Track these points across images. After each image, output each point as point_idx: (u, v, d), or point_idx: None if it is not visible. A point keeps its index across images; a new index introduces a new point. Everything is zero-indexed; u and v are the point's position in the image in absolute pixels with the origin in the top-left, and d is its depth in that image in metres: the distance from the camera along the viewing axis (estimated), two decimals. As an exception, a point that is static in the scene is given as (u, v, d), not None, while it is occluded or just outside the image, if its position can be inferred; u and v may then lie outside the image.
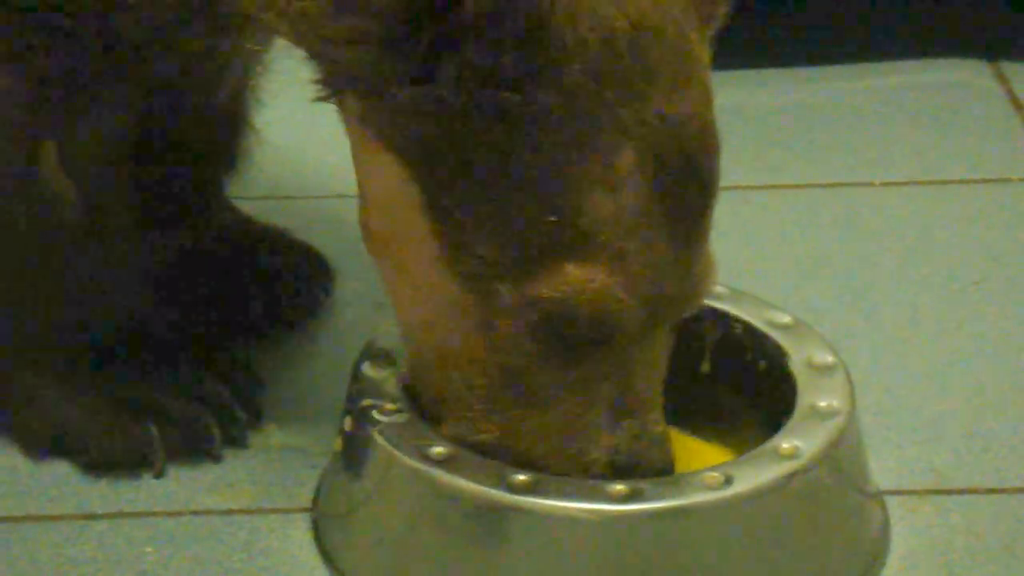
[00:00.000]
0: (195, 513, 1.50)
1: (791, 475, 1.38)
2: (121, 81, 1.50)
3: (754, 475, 1.38)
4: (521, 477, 1.37)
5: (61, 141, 1.52)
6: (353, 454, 1.46)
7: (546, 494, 1.36)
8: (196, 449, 1.54)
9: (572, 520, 1.36)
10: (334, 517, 1.50)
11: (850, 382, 1.46)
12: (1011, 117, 2.06)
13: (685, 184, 1.32)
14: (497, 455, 1.39)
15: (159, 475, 1.53)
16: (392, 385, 1.47)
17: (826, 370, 1.48)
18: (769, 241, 1.87)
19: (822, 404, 1.44)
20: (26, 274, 1.54)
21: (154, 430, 1.53)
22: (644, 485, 1.37)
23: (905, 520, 1.50)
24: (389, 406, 1.44)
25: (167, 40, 1.45)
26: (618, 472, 1.38)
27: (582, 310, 1.32)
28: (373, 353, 1.50)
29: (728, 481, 1.37)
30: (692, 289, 1.37)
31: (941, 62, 2.15)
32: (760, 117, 2.07)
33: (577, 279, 1.31)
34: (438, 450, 1.40)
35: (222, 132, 1.70)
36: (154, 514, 1.50)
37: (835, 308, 1.76)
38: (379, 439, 1.42)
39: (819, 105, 2.10)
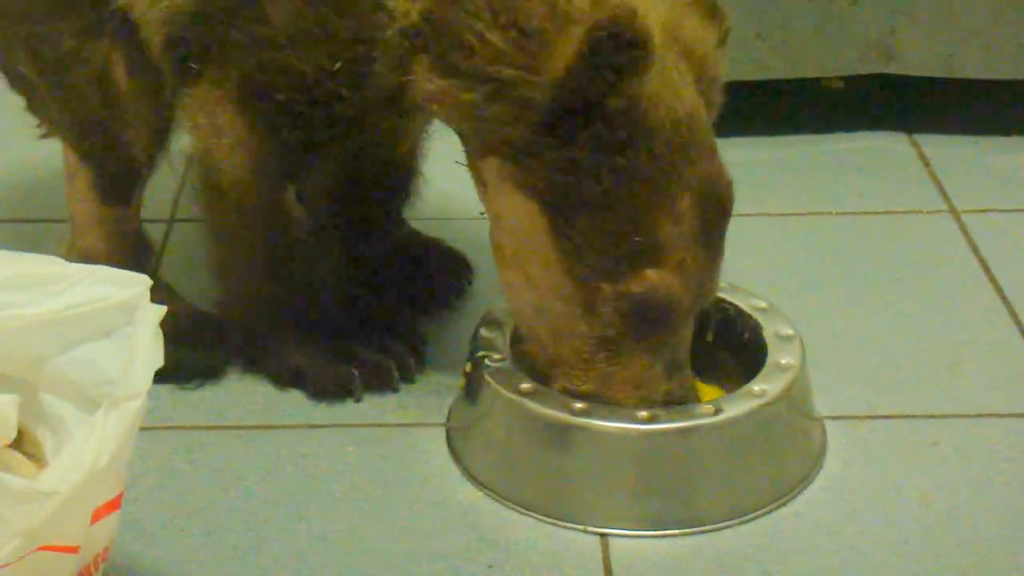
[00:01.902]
0: (378, 425, 1.52)
1: (760, 407, 1.41)
2: (339, 147, 1.52)
3: (736, 407, 1.41)
4: (579, 405, 1.39)
5: (297, 182, 1.56)
6: (471, 388, 1.48)
7: (596, 416, 1.39)
8: (382, 384, 1.56)
9: (613, 434, 1.39)
10: (460, 430, 1.51)
11: (803, 347, 1.47)
12: (920, 169, 2.03)
13: (716, 218, 1.36)
14: (592, 399, 1.39)
15: (358, 400, 1.55)
16: (500, 343, 1.48)
17: (787, 339, 1.49)
18: (761, 252, 1.84)
19: (783, 362, 1.46)
20: (274, 269, 1.55)
21: (356, 371, 1.55)
22: (661, 411, 1.39)
23: (845, 437, 1.50)
24: (496, 356, 1.47)
25: (370, 120, 1.45)
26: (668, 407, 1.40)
27: (657, 301, 1.34)
28: (488, 321, 1.52)
29: (719, 410, 1.40)
30: (715, 287, 1.40)
31: (873, 133, 2.13)
32: (752, 167, 2.01)
33: (654, 280, 1.34)
34: (525, 387, 1.42)
35: (402, 176, 1.69)
36: (354, 425, 1.52)
37: (798, 296, 1.73)
38: (488, 378, 1.44)
39: (791, 159, 2.07)
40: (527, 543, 1.38)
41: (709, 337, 1.55)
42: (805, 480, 1.45)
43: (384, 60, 1.37)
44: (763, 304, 1.54)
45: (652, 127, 1.30)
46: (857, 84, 2.16)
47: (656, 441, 1.39)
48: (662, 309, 1.35)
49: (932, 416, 1.54)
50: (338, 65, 1.38)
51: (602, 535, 1.39)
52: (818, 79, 2.15)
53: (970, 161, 2.06)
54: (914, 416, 1.54)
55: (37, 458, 1.27)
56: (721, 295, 1.52)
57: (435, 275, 1.71)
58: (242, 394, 1.57)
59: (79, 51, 1.49)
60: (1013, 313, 1.71)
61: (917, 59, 2.06)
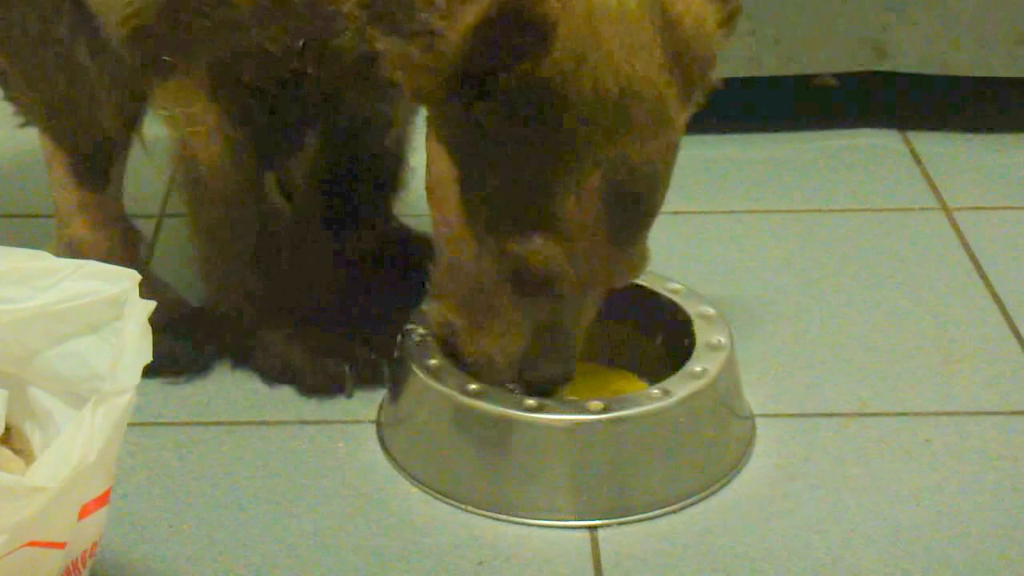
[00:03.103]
0: (369, 422, 1.51)
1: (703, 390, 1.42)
2: (315, 129, 1.53)
3: (680, 390, 1.40)
4: (433, 363, 1.42)
5: (277, 170, 1.57)
6: (397, 379, 1.48)
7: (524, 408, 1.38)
8: (372, 379, 1.54)
9: (549, 426, 1.38)
10: (387, 426, 1.50)
11: (732, 354, 1.46)
12: (912, 166, 2.03)
13: (628, 208, 1.32)
14: (459, 340, 1.41)
15: (349, 396, 1.54)
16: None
17: (720, 347, 1.46)
18: (753, 248, 1.84)
19: (701, 370, 1.44)
20: (257, 261, 1.54)
21: (346, 366, 1.54)
22: (613, 400, 1.39)
23: (836, 434, 1.50)
24: (422, 329, 1.46)
25: (342, 99, 1.46)
26: (526, 372, 1.39)
27: (536, 266, 1.33)
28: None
29: (665, 393, 1.40)
30: (620, 274, 1.37)
31: (866, 130, 2.12)
32: (745, 164, 2.05)
33: (538, 245, 1.32)
34: (434, 363, 1.42)
35: (389, 168, 1.68)
36: (345, 421, 1.52)
37: (790, 293, 1.73)
38: (418, 372, 1.43)
39: (783, 156, 2.07)
40: (516, 540, 1.38)
41: (659, 341, 1.55)
42: (736, 468, 1.45)
43: (346, 34, 1.36)
44: (711, 311, 1.52)
45: (566, 101, 1.27)
46: (849, 81, 2.16)
47: (609, 430, 1.39)
48: (540, 275, 1.34)
49: (924, 414, 1.54)
50: (301, 43, 1.38)
51: (591, 528, 1.38)
52: (811, 76, 2.15)
53: (962, 158, 2.06)
54: (906, 414, 1.54)
55: (25, 453, 1.27)
56: (675, 298, 1.53)
57: (424, 270, 1.66)
58: (232, 390, 1.57)
59: (44, 34, 1.50)
60: (1004, 310, 1.71)
61: (910, 56, 2.07)
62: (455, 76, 1.28)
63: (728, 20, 1.37)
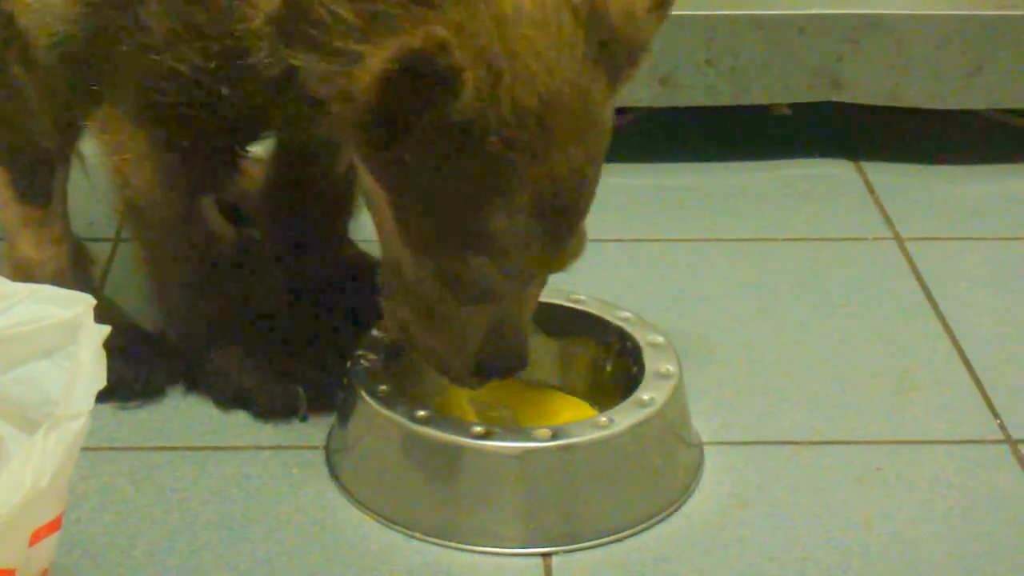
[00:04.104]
0: (324, 447, 1.49)
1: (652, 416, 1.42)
2: (245, 153, 1.51)
3: (627, 418, 1.41)
4: (382, 389, 1.42)
5: (218, 195, 1.56)
6: (346, 404, 1.48)
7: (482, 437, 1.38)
8: (327, 404, 1.52)
9: (498, 453, 1.38)
10: (337, 452, 1.49)
11: (680, 382, 1.46)
12: (866, 196, 2.04)
13: (558, 216, 1.30)
14: (411, 347, 1.41)
15: (303, 420, 1.53)
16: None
17: (668, 376, 1.46)
18: (707, 277, 1.84)
19: (649, 398, 1.43)
20: (202, 285, 1.54)
21: (301, 392, 1.53)
22: (561, 428, 1.39)
23: (789, 461, 1.51)
24: (371, 356, 1.46)
25: (268, 120, 1.44)
26: (482, 363, 1.38)
27: (471, 282, 1.32)
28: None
29: (612, 421, 1.40)
30: (559, 263, 1.35)
31: (820, 160, 2.14)
32: (699, 192, 2.05)
33: (471, 265, 1.31)
34: (383, 389, 1.42)
35: (340, 193, 1.66)
36: (300, 447, 1.51)
37: (745, 321, 1.74)
38: (365, 397, 1.42)
39: (738, 185, 2.08)
40: (469, 568, 1.37)
41: (608, 368, 1.55)
42: (685, 494, 1.45)
43: (257, 52, 1.34)
44: (660, 339, 1.52)
45: (486, 129, 1.24)
46: (804, 111, 2.18)
47: (558, 457, 1.39)
48: (477, 290, 1.33)
49: (875, 442, 1.54)
50: (213, 63, 1.36)
51: (544, 555, 1.38)
52: (765, 106, 2.15)
53: (915, 189, 2.07)
54: (857, 442, 1.54)
55: (-24, 479, 1.25)
56: (625, 326, 1.53)
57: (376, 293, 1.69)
58: (186, 414, 1.56)
59: None
60: (955, 340, 1.71)
61: (863, 87, 2.08)
62: (367, 117, 1.25)
63: (659, 5, 1.32)
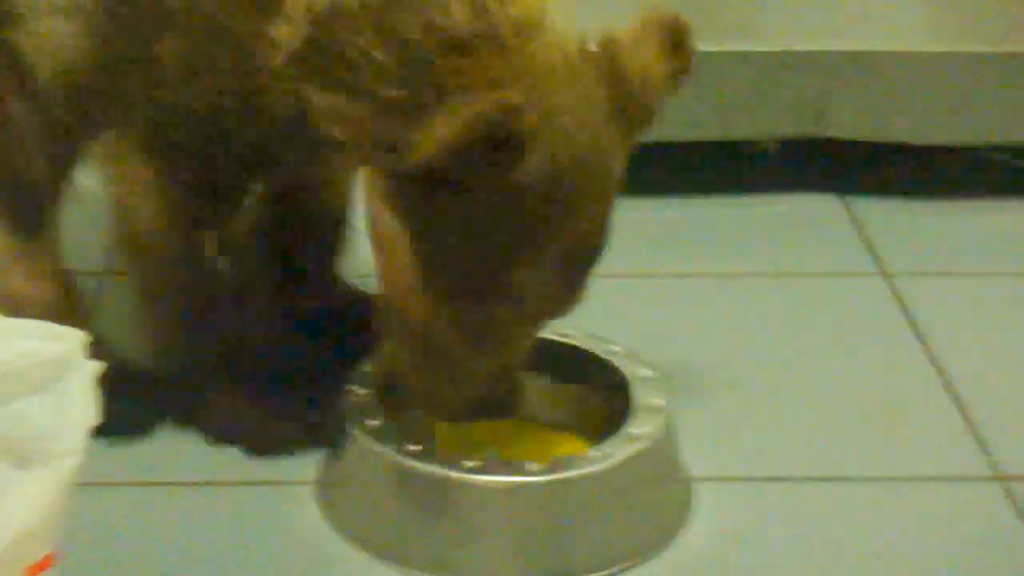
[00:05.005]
0: (317, 483, 1.48)
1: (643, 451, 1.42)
2: (251, 192, 1.52)
3: (619, 451, 1.40)
4: (373, 423, 1.41)
5: (217, 231, 1.54)
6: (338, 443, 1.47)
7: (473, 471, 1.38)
8: (318, 440, 1.51)
9: (490, 488, 1.38)
10: (327, 486, 1.49)
11: (670, 417, 1.46)
12: (852, 231, 2.04)
13: (579, 267, 1.33)
14: (409, 380, 1.40)
15: (294, 456, 1.51)
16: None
17: (658, 409, 1.46)
18: (692, 312, 1.84)
19: (639, 432, 1.43)
20: (196, 322, 1.53)
21: (292, 427, 1.52)
22: (552, 462, 1.39)
23: (780, 498, 1.51)
24: (361, 391, 1.45)
25: (276, 160, 1.44)
26: (478, 405, 1.39)
27: (491, 331, 1.34)
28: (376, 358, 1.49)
29: (603, 455, 1.40)
30: (563, 313, 1.37)
31: (805, 195, 2.14)
32: (684, 227, 2.06)
33: (493, 314, 1.32)
34: (374, 423, 1.42)
35: (331, 228, 1.66)
36: (292, 482, 1.50)
37: (729, 357, 1.73)
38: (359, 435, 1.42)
39: (723, 220, 2.08)
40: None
41: (596, 402, 1.55)
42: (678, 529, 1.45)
43: (275, 90, 1.34)
44: (649, 373, 1.52)
45: (527, 186, 1.26)
46: (790, 146, 2.18)
47: (550, 492, 1.39)
48: (493, 338, 1.34)
49: (866, 479, 1.53)
50: (228, 101, 1.36)
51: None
52: (752, 141, 2.17)
53: (902, 224, 2.08)
54: (848, 479, 1.54)
55: (-34, 516, 1.24)
56: (615, 360, 1.53)
57: (370, 331, 1.63)
58: (178, 450, 1.54)
59: None
60: (944, 375, 1.71)
61: (849, 123, 2.08)
62: (420, 173, 1.26)
63: (676, 73, 1.36)
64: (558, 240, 1.30)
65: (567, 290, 1.35)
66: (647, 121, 1.34)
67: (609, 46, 1.32)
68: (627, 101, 1.32)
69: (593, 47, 1.32)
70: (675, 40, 1.36)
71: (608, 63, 1.31)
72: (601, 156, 1.31)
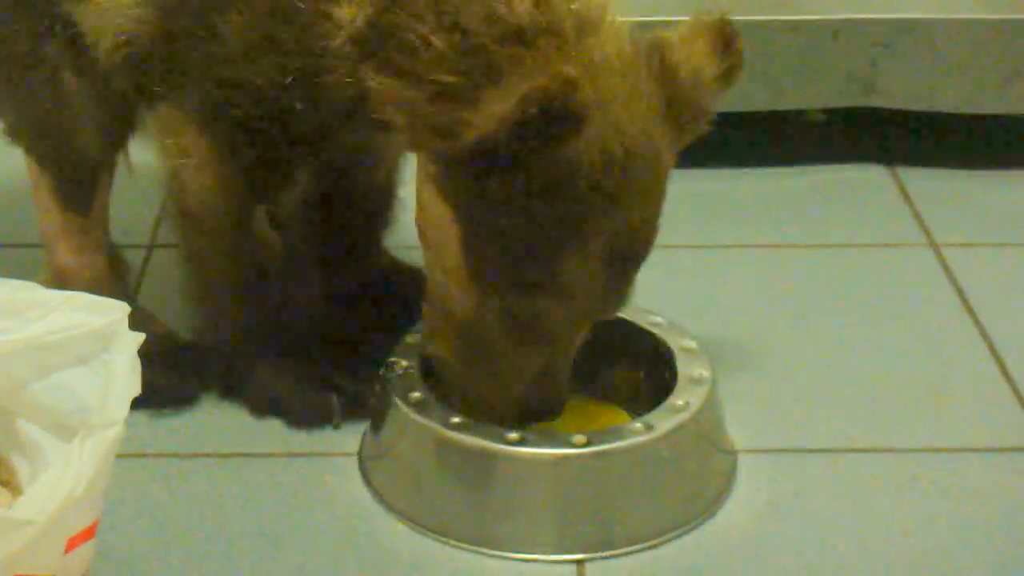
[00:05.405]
0: (357, 454, 1.50)
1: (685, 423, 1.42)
2: (304, 165, 1.51)
3: (662, 423, 1.41)
4: (416, 396, 1.42)
5: (269, 207, 1.56)
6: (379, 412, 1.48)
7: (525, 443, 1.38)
8: (360, 412, 1.52)
9: (533, 460, 1.38)
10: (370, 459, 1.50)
11: (714, 388, 1.46)
12: (901, 202, 2.03)
13: (625, 262, 1.34)
14: (453, 378, 1.41)
15: (336, 428, 1.53)
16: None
17: (702, 381, 1.46)
18: (740, 284, 1.84)
19: (684, 403, 1.43)
20: (246, 293, 1.54)
21: (334, 398, 1.53)
22: (595, 434, 1.39)
23: (826, 470, 1.50)
24: (403, 363, 1.47)
25: (332, 136, 1.44)
26: (522, 408, 1.40)
27: (536, 323, 1.34)
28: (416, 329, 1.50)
29: (647, 427, 1.40)
30: (610, 312, 1.39)
31: (854, 165, 2.13)
32: (732, 199, 2.06)
33: (541, 307, 1.33)
34: (417, 395, 1.43)
35: (379, 201, 1.67)
36: (333, 454, 1.51)
37: (778, 328, 1.73)
38: (401, 405, 1.43)
39: (771, 191, 2.07)
40: (506, 574, 1.37)
41: (641, 374, 1.56)
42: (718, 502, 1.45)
43: (335, 70, 1.35)
44: (693, 344, 1.52)
45: (577, 173, 1.27)
46: (839, 116, 2.17)
47: (593, 464, 1.39)
48: (540, 333, 1.35)
49: (912, 450, 1.53)
50: (289, 78, 1.37)
51: (578, 562, 1.37)
52: (800, 111, 2.15)
53: (950, 194, 2.06)
54: (894, 450, 1.54)
55: (12, 486, 1.26)
56: (660, 332, 1.53)
57: (413, 303, 1.65)
58: (220, 422, 1.55)
59: (32, 54, 1.50)
60: (992, 347, 1.70)
61: (898, 92, 2.07)
62: (469, 151, 1.27)
63: (726, 74, 1.37)
64: (606, 233, 1.30)
65: (613, 287, 1.35)
66: (698, 122, 1.36)
67: (660, 47, 1.34)
68: (678, 101, 1.34)
69: (645, 47, 1.33)
70: (724, 41, 1.37)
71: (660, 64, 1.33)
72: (650, 152, 1.31)
